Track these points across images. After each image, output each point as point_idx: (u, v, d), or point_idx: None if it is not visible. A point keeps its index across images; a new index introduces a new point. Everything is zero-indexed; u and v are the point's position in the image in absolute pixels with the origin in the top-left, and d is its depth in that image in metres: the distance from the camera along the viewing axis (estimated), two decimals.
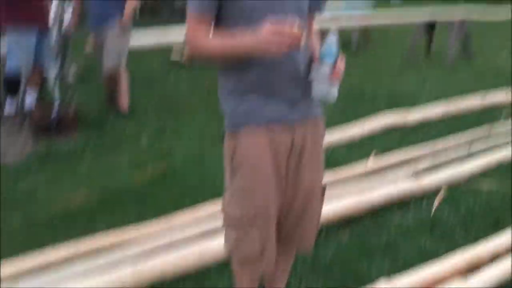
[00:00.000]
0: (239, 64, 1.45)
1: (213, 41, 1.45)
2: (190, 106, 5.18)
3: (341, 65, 1.43)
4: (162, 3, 16.52)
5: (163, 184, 3.19)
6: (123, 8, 4.40)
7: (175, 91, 5.91)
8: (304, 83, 1.50)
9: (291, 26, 1.29)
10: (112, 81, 4.62)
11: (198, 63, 7.26)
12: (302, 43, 1.31)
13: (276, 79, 1.46)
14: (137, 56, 6.00)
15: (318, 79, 1.42)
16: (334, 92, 1.44)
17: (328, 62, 1.39)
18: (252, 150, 1.48)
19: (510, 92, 5.19)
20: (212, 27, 1.47)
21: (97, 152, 3.79)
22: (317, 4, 1.57)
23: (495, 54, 8.41)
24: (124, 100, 4.70)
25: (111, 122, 4.50)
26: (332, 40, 1.40)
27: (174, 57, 7.58)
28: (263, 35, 1.31)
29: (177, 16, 15.98)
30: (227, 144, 1.53)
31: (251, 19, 1.40)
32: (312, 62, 1.48)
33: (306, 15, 1.52)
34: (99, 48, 4.57)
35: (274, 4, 1.41)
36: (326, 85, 1.42)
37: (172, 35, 7.53)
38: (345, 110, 4.76)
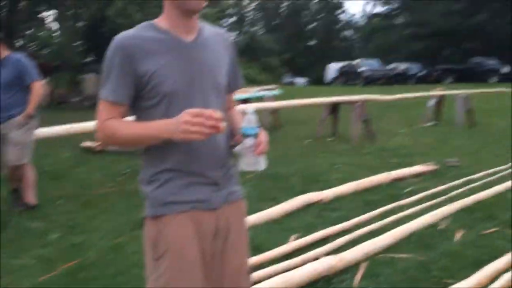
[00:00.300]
0: (161, 148, 1.44)
1: (128, 128, 1.42)
2: (105, 194, 4.98)
3: (263, 136, 1.48)
4: (70, 90, 16.29)
5: (75, 282, 2.96)
6: (27, 99, 4.27)
7: (87, 180, 5.68)
8: (226, 165, 1.53)
9: (213, 112, 1.33)
10: (17, 175, 4.36)
11: (112, 149, 7.14)
12: (223, 127, 1.34)
13: (198, 162, 1.46)
14: (45, 146, 5.77)
15: (244, 152, 1.47)
16: (261, 162, 1.49)
17: (251, 135, 1.46)
18: (176, 236, 1.44)
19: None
20: (125, 116, 1.46)
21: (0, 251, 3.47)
22: (234, 81, 1.63)
23: (394, 132, 9.15)
24: (30, 194, 4.42)
25: (16, 218, 4.18)
26: (251, 116, 1.47)
27: (86, 144, 7.38)
28: (184, 120, 1.32)
29: (87, 102, 15.85)
30: (149, 230, 1.48)
31: (170, 107, 1.41)
32: (234, 139, 1.52)
33: (225, 94, 1.57)
34: (2, 141, 4.33)
35: (193, 88, 1.45)
36: (252, 157, 1.47)
37: (82, 122, 7.37)
38: (262, 191, 4.85)
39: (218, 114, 1.33)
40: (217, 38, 1.55)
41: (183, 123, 1.32)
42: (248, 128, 1.46)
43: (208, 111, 1.32)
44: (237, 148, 1.49)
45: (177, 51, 1.44)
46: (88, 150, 7.25)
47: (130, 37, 1.43)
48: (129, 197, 4.68)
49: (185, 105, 1.38)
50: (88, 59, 18.17)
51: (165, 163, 1.46)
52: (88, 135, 7.07)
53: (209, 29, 1.55)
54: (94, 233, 3.81)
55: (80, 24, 19.91)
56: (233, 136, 1.54)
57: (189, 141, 1.36)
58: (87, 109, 15.22)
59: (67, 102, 15.73)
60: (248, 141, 1.45)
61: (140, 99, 1.45)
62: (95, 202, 4.70)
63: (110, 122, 1.42)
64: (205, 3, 1.45)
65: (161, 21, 1.48)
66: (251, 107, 1.47)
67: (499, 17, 35.34)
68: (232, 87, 1.62)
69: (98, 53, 18.48)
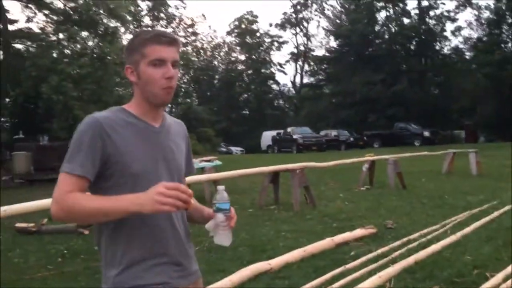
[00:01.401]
0: (122, 230, 1.47)
1: (92, 200, 1.43)
2: (43, 279, 4.72)
3: (233, 211, 1.56)
4: None
5: None
6: None
7: (23, 264, 5.37)
8: (186, 244, 1.59)
9: (186, 187, 1.40)
10: None
11: (49, 229, 6.83)
12: (193, 204, 1.41)
13: (161, 243, 1.51)
14: None
15: (217, 228, 1.53)
16: (230, 236, 1.56)
17: (224, 211, 1.53)
18: None
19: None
20: (87, 191, 1.48)
21: None
22: (189, 167, 1.74)
23: (333, 196, 9.48)
24: None
25: None
26: (223, 192, 1.55)
27: (20, 225, 7.01)
28: (159, 191, 1.35)
29: (17, 181, 15.10)
30: None
31: (135, 188, 1.44)
32: (204, 214, 1.62)
33: (184, 177, 1.66)
34: None
35: (159, 171, 1.52)
36: (225, 232, 1.54)
37: (14, 202, 7.04)
38: (210, 263, 4.82)
39: (190, 190, 1.39)
40: (176, 127, 1.67)
41: (157, 194, 1.34)
42: (222, 203, 1.53)
43: (182, 186, 1.39)
44: (209, 224, 1.55)
45: (146, 135, 1.53)
46: (23, 231, 6.88)
47: (104, 117, 1.49)
48: (70, 280, 4.48)
49: (150, 186, 1.41)
50: (18, 136, 17.56)
51: (127, 245, 1.48)
52: (22, 215, 6.80)
53: (170, 118, 1.67)
54: None
55: (9, 99, 19.45)
56: (198, 214, 1.64)
57: (159, 213, 1.37)
58: (17, 188, 14.52)
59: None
60: (220, 217, 1.53)
61: (103, 179, 1.48)
62: None
63: (72, 194, 1.41)
64: (172, 96, 1.56)
65: (131, 107, 1.57)
66: (221, 185, 1.56)
67: (417, 85, 38.44)
68: (186, 173, 1.72)
69: (29, 130, 17.98)
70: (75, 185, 1.43)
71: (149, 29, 1.94)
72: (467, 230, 5.79)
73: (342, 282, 4.01)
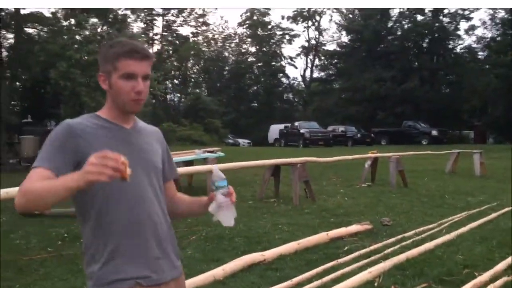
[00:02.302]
0: (102, 224, 1.52)
1: (42, 182, 1.42)
2: (43, 260, 4.83)
3: (231, 188, 1.62)
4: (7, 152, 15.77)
5: None
6: None
7: (24, 245, 5.48)
8: (167, 239, 1.64)
9: (118, 156, 1.34)
10: None
11: (51, 212, 6.94)
12: (129, 174, 1.36)
13: (140, 238, 1.56)
14: None
15: (221, 208, 1.59)
16: (234, 213, 1.62)
17: (224, 186, 1.59)
18: None
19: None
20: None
21: None
22: (171, 170, 1.79)
23: (333, 192, 9.52)
24: None
25: None
26: (218, 172, 1.61)
27: None
28: (89, 161, 1.33)
29: (24, 164, 15.30)
30: None
31: (107, 186, 1.45)
32: (203, 200, 1.67)
33: (162, 177, 1.69)
34: None
35: (134, 170, 1.45)
36: (229, 211, 1.60)
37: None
38: (205, 252, 4.89)
39: (123, 159, 1.35)
40: (150, 131, 1.74)
41: (88, 164, 1.33)
42: (219, 181, 1.60)
43: (114, 154, 1.34)
44: (212, 207, 1.61)
45: (117, 136, 1.60)
46: (26, 213, 7.00)
47: (76, 122, 1.58)
48: (69, 263, 4.57)
49: (125, 185, 1.43)
50: (27, 120, 17.77)
51: (107, 240, 1.53)
52: None
53: (143, 123, 1.74)
54: None
55: (18, 84, 19.64)
56: (196, 205, 1.72)
57: (92, 183, 1.33)
58: (23, 171, 14.70)
59: (2, 164, 15.12)
60: (220, 198, 1.58)
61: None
62: (33, 269, 4.55)
63: (31, 183, 1.42)
64: (142, 106, 1.63)
65: (103, 112, 1.65)
66: (214, 164, 1.62)
67: (428, 84, 38.16)
68: (170, 176, 1.77)
69: (37, 115, 18.18)
70: (43, 176, 1.45)
71: (124, 40, 1.87)
72: (463, 230, 5.82)
73: (332, 275, 4.07)
